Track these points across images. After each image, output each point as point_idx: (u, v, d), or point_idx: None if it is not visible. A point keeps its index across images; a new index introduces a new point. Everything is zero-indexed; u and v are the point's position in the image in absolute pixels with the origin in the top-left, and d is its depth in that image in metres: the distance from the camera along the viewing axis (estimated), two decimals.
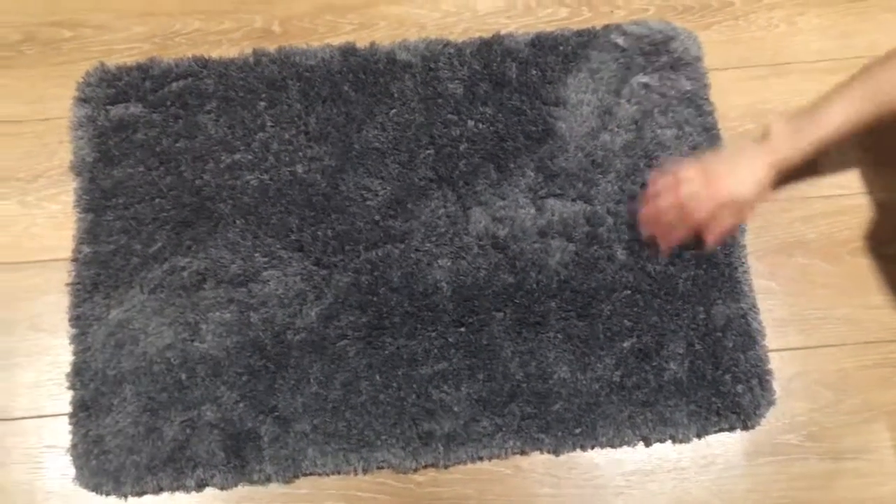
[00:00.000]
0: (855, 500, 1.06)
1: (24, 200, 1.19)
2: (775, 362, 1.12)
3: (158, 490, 1.05)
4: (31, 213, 1.18)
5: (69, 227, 1.16)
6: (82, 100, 1.21)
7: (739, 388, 1.09)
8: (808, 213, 1.20)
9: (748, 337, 1.11)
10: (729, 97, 1.25)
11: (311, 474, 1.06)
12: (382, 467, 1.07)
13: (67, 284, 1.13)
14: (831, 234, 1.19)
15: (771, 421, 1.09)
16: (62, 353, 1.11)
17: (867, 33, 1.31)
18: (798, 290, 1.16)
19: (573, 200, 1.17)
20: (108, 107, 1.20)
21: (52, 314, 1.13)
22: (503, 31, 1.27)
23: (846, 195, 1.21)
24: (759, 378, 1.09)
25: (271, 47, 1.25)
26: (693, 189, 1.05)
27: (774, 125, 1.05)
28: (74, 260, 1.13)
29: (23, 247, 1.17)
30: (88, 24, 1.29)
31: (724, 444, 1.09)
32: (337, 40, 1.27)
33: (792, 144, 1.03)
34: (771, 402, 1.09)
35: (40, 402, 1.09)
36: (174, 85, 1.22)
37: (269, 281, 1.13)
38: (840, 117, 0.99)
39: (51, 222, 1.18)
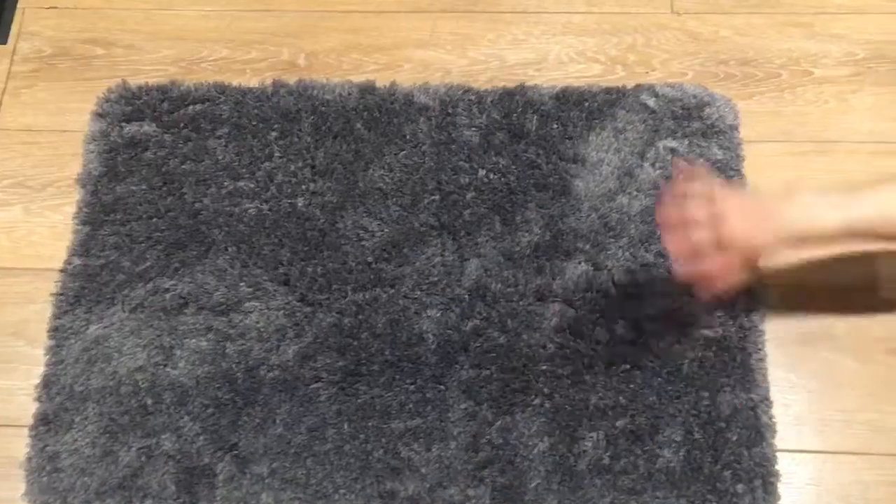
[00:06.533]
0: None
1: (28, 208, 1.19)
2: (786, 464, 1.00)
3: None
4: (33, 220, 1.18)
5: (67, 238, 1.16)
6: (99, 115, 1.22)
7: (740, 487, 0.97)
8: (842, 304, 1.09)
9: (756, 432, 1.00)
10: (764, 171, 1.15)
11: None
12: None
13: (52, 294, 1.11)
14: (865, 328, 1.08)
15: None
16: (37, 365, 1.08)
17: None
18: (820, 386, 1.05)
19: (579, 263, 1.09)
20: (123, 124, 1.20)
21: (36, 323, 1.12)
22: (529, 83, 1.22)
23: (888, 287, 1.09)
24: (762, 479, 0.98)
25: (292, 79, 1.24)
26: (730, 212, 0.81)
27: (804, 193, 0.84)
28: (63, 271, 1.12)
29: (20, 253, 1.17)
30: (120, 43, 1.31)
31: None
32: (359, 78, 1.24)
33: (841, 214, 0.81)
34: None
35: (7, 411, 1.07)
36: (190, 108, 1.21)
37: (251, 312, 1.09)
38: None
39: (50, 232, 1.17)
